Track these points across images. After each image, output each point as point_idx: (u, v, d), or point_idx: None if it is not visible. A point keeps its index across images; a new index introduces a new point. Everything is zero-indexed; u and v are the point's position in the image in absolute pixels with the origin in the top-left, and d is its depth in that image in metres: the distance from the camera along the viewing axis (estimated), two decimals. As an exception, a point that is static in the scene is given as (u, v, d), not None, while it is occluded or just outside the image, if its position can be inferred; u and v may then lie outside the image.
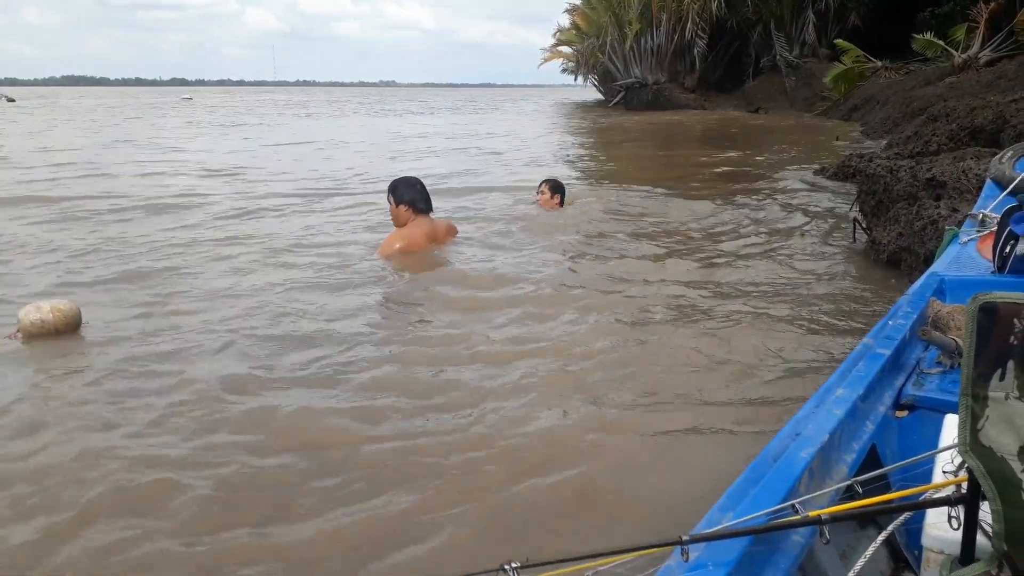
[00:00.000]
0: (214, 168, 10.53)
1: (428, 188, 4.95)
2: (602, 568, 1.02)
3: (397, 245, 4.73)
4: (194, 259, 4.95)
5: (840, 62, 22.61)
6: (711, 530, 1.15)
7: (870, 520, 1.59)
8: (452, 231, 5.22)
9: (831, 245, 5.22)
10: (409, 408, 2.63)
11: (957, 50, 17.99)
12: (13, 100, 52.34)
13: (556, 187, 6.36)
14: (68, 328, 3.38)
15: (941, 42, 18.75)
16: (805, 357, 3.07)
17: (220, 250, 5.20)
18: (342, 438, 2.42)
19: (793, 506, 1.19)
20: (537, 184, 6.47)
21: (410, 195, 4.83)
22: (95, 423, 2.56)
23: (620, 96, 34.41)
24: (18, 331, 3.34)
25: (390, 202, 4.86)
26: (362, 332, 3.43)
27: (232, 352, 3.19)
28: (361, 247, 5.18)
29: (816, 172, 8.53)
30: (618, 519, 2.01)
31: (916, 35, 19.62)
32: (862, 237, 4.99)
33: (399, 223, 4.86)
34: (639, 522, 1.98)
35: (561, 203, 6.34)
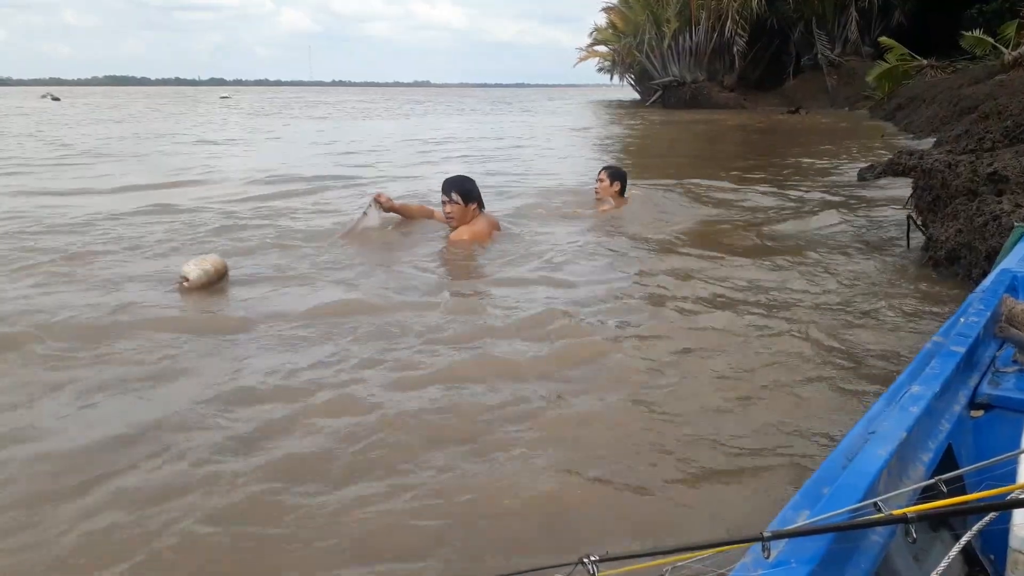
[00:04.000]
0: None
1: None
2: (680, 563, 0.97)
3: (466, 236, 4.84)
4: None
5: (884, 60, 22.18)
6: (793, 526, 1.09)
7: (942, 523, 1.52)
8: (498, 225, 5.27)
9: (884, 242, 5.07)
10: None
11: (1007, 47, 17.51)
12: (58, 99, 53.90)
13: (615, 174, 5.97)
14: (222, 279, 3.89)
15: (991, 39, 18.28)
16: (866, 356, 2.96)
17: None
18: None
19: (875, 504, 1.13)
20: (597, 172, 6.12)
21: (478, 193, 4.96)
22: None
23: (657, 95, 34.15)
24: (184, 283, 3.76)
25: (456, 202, 4.82)
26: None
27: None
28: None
29: (864, 170, 8.32)
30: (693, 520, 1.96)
31: (965, 32, 19.17)
32: (916, 234, 4.83)
33: (464, 221, 4.87)
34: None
35: (622, 191, 5.95)
